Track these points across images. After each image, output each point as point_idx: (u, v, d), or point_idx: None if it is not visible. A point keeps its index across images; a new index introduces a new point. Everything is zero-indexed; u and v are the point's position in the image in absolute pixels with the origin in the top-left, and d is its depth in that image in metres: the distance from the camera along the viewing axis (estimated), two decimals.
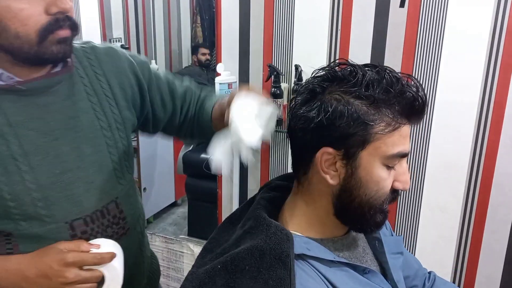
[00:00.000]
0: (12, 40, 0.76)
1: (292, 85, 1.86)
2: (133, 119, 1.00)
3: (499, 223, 1.67)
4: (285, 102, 1.82)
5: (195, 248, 2.43)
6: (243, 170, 2.10)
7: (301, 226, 0.77)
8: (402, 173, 0.72)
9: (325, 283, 0.71)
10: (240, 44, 1.93)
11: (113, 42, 2.76)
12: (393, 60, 1.67)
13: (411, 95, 0.68)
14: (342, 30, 1.72)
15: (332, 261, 0.74)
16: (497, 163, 1.62)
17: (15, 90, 0.81)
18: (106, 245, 0.84)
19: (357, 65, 0.72)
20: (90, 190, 0.88)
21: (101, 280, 0.82)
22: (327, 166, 0.71)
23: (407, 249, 1.82)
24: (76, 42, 0.91)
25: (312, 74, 0.75)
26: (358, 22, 1.69)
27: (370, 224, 0.74)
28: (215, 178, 2.24)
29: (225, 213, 2.22)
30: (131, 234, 0.99)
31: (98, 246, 0.82)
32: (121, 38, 3.20)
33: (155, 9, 3.49)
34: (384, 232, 0.90)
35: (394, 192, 0.74)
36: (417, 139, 1.72)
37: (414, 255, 1.81)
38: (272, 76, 1.79)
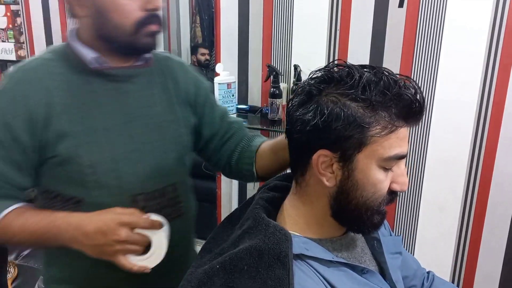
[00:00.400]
0: (112, 30, 0.90)
1: (291, 85, 1.86)
2: (194, 121, 1.09)
3: (498, 221, 1.67)
4: (284, 102, 1.82)
5: (195, 247, 2.42)
6: None
7: (300, 226, 0.77)
8: (400, 174, 0.72)
9: (323, 283, 0.71)
10: (239, 44, 1.93)
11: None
12: (392, 60, 1.67)
13: (409, 97, 0.67)
14: (341, 30, 1.73)
15: (330, 261, 0.73)
16: (496, 161, 1.63)
17: (104, 74, 0.94)
18: (156, 218, 0.90)
19: (355, 66, 0.71)
20: (154, 171, 0.99)
21: (147, 247, 0.88)
22: (324, 168, 0.71)
23: (406, 248, 1.83)
24: (156, 52, 1.04)
25: (309, 75, 0.75)
26: (357, 22, 1.70)
27: (367, 225, 0.74)
28: (214, 178, 2.24)
29: (224, 213, 2.24)
30: (185, 218, 1.07)
31: (149, 217, 0.89)
32: None
33: None
34: (383, 232, 0.90)
35: (392, 194, 0.73)
36: (417, 138, 1.72)
37: (413, 253, 1.82)
38: (271, 76, 1.79)
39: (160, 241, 0.89)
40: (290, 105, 0.75)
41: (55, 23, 2.32)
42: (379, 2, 1.65)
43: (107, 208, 0.87)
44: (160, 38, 0.97)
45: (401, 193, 1.81)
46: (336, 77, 0.70)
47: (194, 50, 3.70)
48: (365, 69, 0.70)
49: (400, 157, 0.70)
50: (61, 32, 2.32)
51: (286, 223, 0.78)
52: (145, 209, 0.94)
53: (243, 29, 1.91)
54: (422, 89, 1.66)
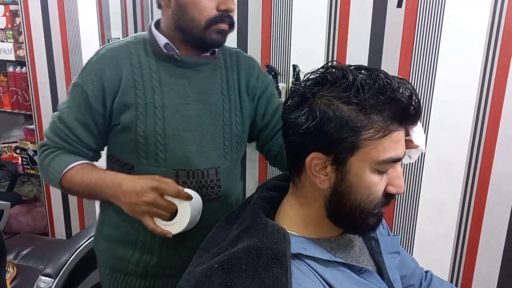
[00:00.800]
0: (188, 22, 1.02)
1: (290, 85, 1.86)
2: (250, 110, 1.18)
3: (496, 222, 1.67)
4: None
5: None
6: (242, 170, 2.08)
7: (298, 226, 0.78)
8: (396, 177, 0.72)
9: (321, 282, 0.72)
10: (238, 44, 1.93)
11: (112, 42, 2.74)
12: (390, 60, 1.67)
13: (403, 101, 0.67)
14: (340, 30, 1.73)
15: (328, 261, 0.74)
16: (494, 162, 1.63)
17: (173, 60, 1.07)
18: (190, 192, 0.98)
19: (349, 68, 0.70)
20: (200, 152, 1.08)
21: (175, 214, 0.97)
22: (317, 171, 0.71)
23: (405, 248, 1.82)
24: (227, 46, 1.16)
25: (304, 77, 0.74)
26: (355, 22, 1.69)
27: (363, 227, 0.74)
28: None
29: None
30: (222, 202, 1.14)
31: (183, 188, 0.97)
32: (119, 38, 3.19)
33: (153, 10, 3.48)
34: (381, 232, 0.90)
35: (388, 196, 0.73)
36: None
37: (412, 254, 1.81)
38: (270, 76, 1.78)
39: (185, 211, 0.96)
40: (284, 108, 0.75)
41: (54, 23, 2.32)
42: (377, 3, 1.65)
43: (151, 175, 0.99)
44: (228, 37, 1.08)
45: (399, 195, 1.82)
46: (330, 79, 0.70)
47: None
48: (361, 71, 0.70)
49: (395, 160, 0.70)
50: (60, 32, 2.32)
51: (284, 223, 0.78)
52: (185, 185, 1.05)
53: (242, 29, 1.90)
54: (420, 90, 1.66)
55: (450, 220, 1.74)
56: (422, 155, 1.72)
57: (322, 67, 0.73)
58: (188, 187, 1.02)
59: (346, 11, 1.70)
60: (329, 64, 0.73)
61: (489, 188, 1.66)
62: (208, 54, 1.11)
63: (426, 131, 1.70)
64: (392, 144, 0.68)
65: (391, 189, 0.72)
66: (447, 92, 1.63)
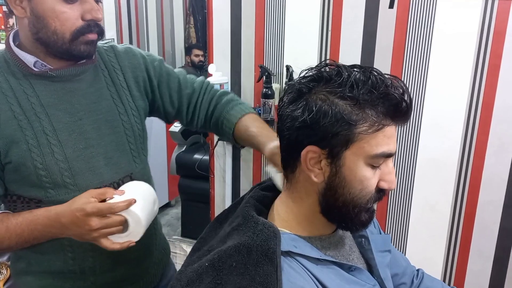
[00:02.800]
0: (50, 35, 0.91)
1: (284, 85, 1.87)
2: (145, 107, 1.13)
3: (488, 221, 1.68)
4: (277, 103, 1.83)
5: (188, 248, 2.43)
6: (236, 170, 2.11)
7: (290, 223, 0.78)
8: (388, 172, 0.73)
9: (312, 279, 0.72)
10: (231, 45, 1.93)
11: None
12: (382, 61, 1.68)
13: (396, 97, 0.68)
14: (333, 31, 1.73)
15: (318, 259, 0.74)
16: (486, 162, 1.64)
17: (48, 76, 0.95)
18: (132, 189, 0.95)
19: (344, 66, 0.72)
20: (109, 164, 1.02)
21: (126, 222, 0.92)
22: (312, 164, 0.72)
23: (398, 247, 1.83)
24: (99, 42, 1.06)
25: (300, 74, 0.76)
26: (348, 23, 1.70)
27: (355, 223, 0.75)
28: (207, 179, 2.24)
29: (218, 213, 2.19)
30: None
31: (122, 192, 0.93)
32: (114, 39, 3.19)
33: (148, 10, 3.48)
34: (372, 230, 0.91)
35: (380, 192, 0.74)
36: (407, 139, 1.74)
37: (405, 253, 1.82)
38: (264, 76, 1.80)
39: (134, 216, 0.91)
40: (281, 103, 0.76)
41: None
42: (369, 4, 1.66)
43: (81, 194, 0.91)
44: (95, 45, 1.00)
45: (392, 194, 1.83)
46: (326, 76, 0.72)
47: (188, 51, 3.69)
48: (355, 69, 0.71)
49: (387, 155, 0.71)
50: None
51: (276, 221, 0.78)
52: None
53: (236, 31, 1.91)
54: (412, 90, 1.67)
55: (443, 219, 1.75)
56: (415, 155, 1.73)
57: (317, 66, 0.75)
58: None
59: (338, 12, 1.71)
60: (324, 62, 0.75)
61: (480, 187, 1.67)
62: (83, 60, 1.00)
63: (418, 131, 1.71)
64: (385, 139, 0.69)
65: (383, 185, 0.73)
66: (438, 92, 1.65)
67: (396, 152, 0.75)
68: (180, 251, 2.45)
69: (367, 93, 0.68)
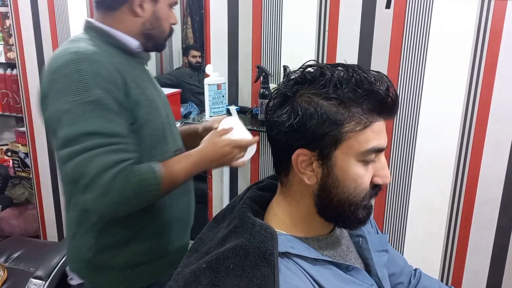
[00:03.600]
0: (160, 32, 1.15)
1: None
2: None
3: (485, 220, 1.69)
4: None
5: None
6: (233, 171, 2.11)
7: (286, 225, 0.78)
8: (381, 167, 0.73)
9: (309, 280, 0.72)
10: (229, 46, 1.93)
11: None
12: (379, 61, 1.69)
13: (380, 93, 0.68)
14: (330, 31, 1.74)
15: (316, 259, 0.74)
16: (483, 161, 1.64)
17: (139, 57, 1.16)
18: (238, 125, 1.22)
19: (327, 66, 0.72)
20: (175, 135, 1.22)
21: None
22: (304, 167, 0.72)
23: (396, 247, 1.84)
24: None
25: (284, 78, 0.76)
26: (345, 23, 1.71)
27: (352, 221, 0.75)
28: (205, 179, 2.24)
29: (216, 214, 2.19)
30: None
31: (231, 129, 1.19)
32: None
33: None
34: (369, 230, 0.91)
35: (376, 187, 0.74)
36: (404, 138, 1.74)
37: (403, 253, 1.83)
38: (261, 77, 1.80)
39: (253, 146, 1.23)
40: (267, 109, 0.76)
41: (45, 25, 2.31)
42: (366, 4, 1.66)
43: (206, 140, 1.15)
44: None
45: (389, 194, 1.83)
46: (309, 78, 0.72)
47: (185, 51, 3.68)
48: (338, 68, 0.71)
49: (378, 150, 0.71)
50: (51, 34, 2.31)
51: (273, 222, 0.78)
52: None
53: (233, 31, 1.91)
54: (409, 90, 1.68)
55: (440, 218, 1.75)
56: (412, 154, 1.73)
57: (300, 67, 0.75)
58: None
59: (335, 12, 1.71)
60: (307, 63, 0.74)
61: (478, 185, 1.67)
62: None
63: (415, 130, 1.71)
64: (374, 135, 0.69)
65: (378, 180, 0.73)
66: (435, 92, 1.65)
67: (387, 146, 0.74)
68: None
69: (351, 91, 0.68)
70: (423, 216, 1.78)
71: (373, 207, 0.78)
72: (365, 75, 0.69)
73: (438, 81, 1.64)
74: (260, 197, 0.85)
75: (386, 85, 0.69)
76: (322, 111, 0.68)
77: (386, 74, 0.71)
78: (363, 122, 0.68)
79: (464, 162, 1.67)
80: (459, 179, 1.69)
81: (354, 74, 0.69)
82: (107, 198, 0.95)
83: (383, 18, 1.65)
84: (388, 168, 1.77)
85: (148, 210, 1.10)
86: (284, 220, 0.78)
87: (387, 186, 1.80)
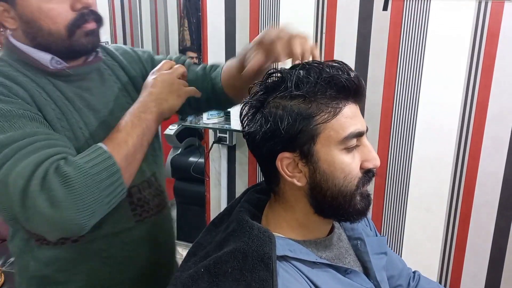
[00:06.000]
0: (47, 37, 0.85)
1: None
2: None
3: (484, 222, 1.69)
4: None
5: (184, 252, 2.42)
6: (231, 173, 2.11)
7: (283, 229, 0.78)
8: (368, 151, 0.73)
9: (308, 284, 0.72)
10: (226, 48, 1.93)
11: None
12: (377, 63, 1.69)
13: (340, 77, 0.69)
14: (327, 33, 1.74)
15: (314, 262, 0.74)
16: (481, 163, 1.64)
17: (63, 75, 0.90)
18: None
19: (285, 70, 0.74)
20: None
21: None
22: (291, 170, 0.72)
23: (394, 249, 1.84)
24: None
25: (249, 91, 0.78)
26: (342, 25, 1.71)
27: (351, 213, 0.74)
28: (203, 182, 2.24)
29: (214, 217, 2.17)
30: (168, 208, 1.08)
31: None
32: (108, 42, 3.18)
33: (142, 13, 3.47)
34: (367, 233, 0.91)
35: (368, 173, 0.74)
36: (402, 141, 1.74)
37: (401, 255, 1.83)
38: None
39: None
40: (242, 124, 0.78)
41: None
42: (364, 6, 1.66)
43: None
44: (101, 35, 0.94)
45: (388, 195, 1.83)
46: (272, 85, 0.74)
47: (182, 53, 3.69)
48: (296, 69, 0.73)
49: (357, 135, 0.71)
50: None
51: (271, 225, 0.78)
52: (141, 202, 0.97)
53: (230, 33, 1.91)
54: (406, 92, 1.68)
55: (438, 220, 1.75)
56: (410, 156, 1.73)
57: (263, 77, 0.76)
58: (144, 203, 0.97)
59: (332, 14, 1.71)
60: (269, 72, 0.76)
61: (475, 188, 1.67)
62: (91, 58, 0.96)
63: (413, 132, 1.71)
64: (348, 120, 0.70)
65: (368, 164, 0.73)
66: (433, 94, 1.65)
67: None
68: (176, 254, 2.44)
69: (312, 85, 0.69)
70: (421, 218, 1.78)
71: (372, 197, 0.77)
72: (321, 66, 0.71)
73: (435, 83, 1.64)
74: (257, 200, 0.85)
75: (344, 70, 0.71)
76: (291, 110, 0.70)
77: (383, 76, 0.72)
78: (333, 110, 0.69)
79: (462, 163, 1.67)
80: (457, 181, 1.69)
81: (311, 69, 0.71)
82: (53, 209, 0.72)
83: (380, 20, 1.65)
84: (386, 168, 1.77)
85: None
86: (280, 225, 0.78)
87: (385, 187, 1.80)
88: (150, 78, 0.94)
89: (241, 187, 2.09)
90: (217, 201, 2.18)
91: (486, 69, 1.56)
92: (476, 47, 1.56)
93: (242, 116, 0.77)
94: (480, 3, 1.52)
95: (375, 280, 0.84)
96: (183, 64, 1.12)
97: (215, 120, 2.06)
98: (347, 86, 0.70)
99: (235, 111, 2.07)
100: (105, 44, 1.08)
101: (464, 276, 1.77)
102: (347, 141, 0.70)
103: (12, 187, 0.72)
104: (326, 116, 0.69)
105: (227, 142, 2.04)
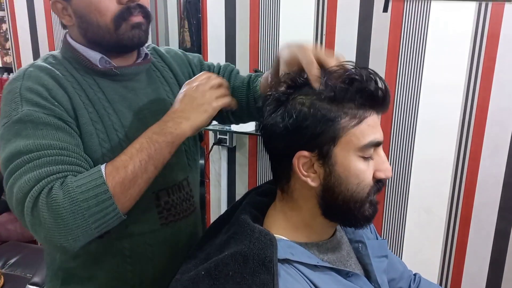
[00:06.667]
0: (96, 31, 0.88)
1: None
2: None
3: (484, 223, 1.68)
4: None
5: None
6: (231, 174, 2.10)
7: (286, 230, 0.77)
8: (382, 162, 0.73)
9: (310, 286, 0.72)
10: (226, 49, 1.92)
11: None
12: (377, 64, 1.68)
13: (371, 87, 0.69)
14: (327, 34, 1.73)
15: (316, 265, 0.74)
16: (481, 164, 1.64)
17: (111, 74, 0.92)
18: None
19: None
20: (169, 166, 0.92)
21: None
22: (306, 170, 0.72)
23: (394, 251, 1.83)
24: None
25: (273, 84, 0.78)
26: (342, 26, 1.70)
27: (359, 219, 0.75)
28: (203, 183, 2.23)
29: (213, 218, 2.14)
30: (197, 213, 1.07)
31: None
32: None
33: None
34: (368, 236, 0.91)
35: (379, 182, 0.74)
36: (402, 142, 1.74)
37: (401, 256, 1.82)
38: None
39: None
40: (263, 117, 0.77)
41: (41, 28, 2.30)
42: (364, 7, 1.66)
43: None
44: (148, 30, 0.94)
45: (388, 197, 1.82)
46: (301, 81, 0.73)
47: None
48: (328, 70, 0.72)
49: (376, 144, 0.71)
50: (48, 38, 2.30)
51: (273, 227, 0.78)
52: (168, 205, 0.97)
53: (230, 34, 1.91)
54: (407, 93, 1.67)
55: (439, 221, 1.74)
56: (410, 157, 1.73)
57: (288, 73, 0.76)
58: (171, 207, 0.97)
59: (332, 16, 1.71)
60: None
61: (476, 189, 1.67)
62: (140, 60, 0.98)
63: (413, 133, 1.71)
64: (370, 129, 0.70)
65: (380, 174, 0.73)
66: (433, 95, 1.65)
67: (385, 149, 0.75)
68: None
69: (343, 90, 0.69)
70: (422, 220, 1.77)
71: (378, 205, 0.77)
72: (355, 72, 0.70)
73: (435, 85, 1.64)
74: (259, 202, 0.85)
75: (375, 79, 0.70)
76: (316, 110, 0.69)
77: (384, 77, 0.73)
78: (357, 116, 0.69)
79: (462, 165, 1.67)
80: (457, 183, 1.69)
81: (344, 74, 0.70)
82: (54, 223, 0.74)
83: (381, 21, 1.65)
84: None
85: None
86: (284, 225, 0.78)
87: (385, 189, 1.79)
88: (181, 90, 0.91)
89: (241, 188, 2.08)
90: (217, 203, 2.17)
91: (487, 70, 1.56)
92: (476, 48, 1.56)
93: (265, 106, 0.76)
94: (480, 4, 1.52)
95: (376, 283, 0.84)
96: (230, 72, 1.13)
97: (215, 122, 2.05)
98: (375, 97, 0.70)
99: None
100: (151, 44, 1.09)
101: (465, 278, 1.76)
102: (366, 149, 0.70)
103: (15, 198, 0.76)
104: (350, 121, 0.69)
105: (227, 144, 2.03)
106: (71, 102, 0.85)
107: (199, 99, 0.87)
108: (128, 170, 0.79)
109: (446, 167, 1.69)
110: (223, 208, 2.10)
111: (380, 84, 0.70)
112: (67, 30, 0.95)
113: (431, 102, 1.66)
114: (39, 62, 0.90)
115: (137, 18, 0.89)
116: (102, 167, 0.79)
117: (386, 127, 1.73)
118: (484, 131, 1.61)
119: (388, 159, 1.76)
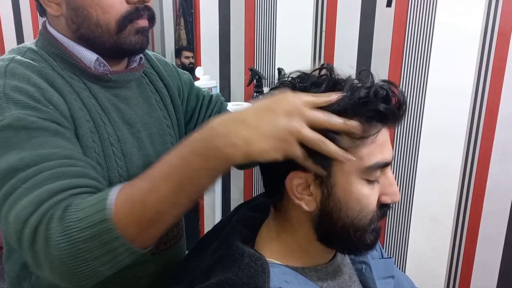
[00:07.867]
0: (93, 28, 0.77)
1: None
2: (183, 117, 1.01)
3: (493, 233, 1.65)
4: None
5: None
6: (226, 179, 2.08)
7: (280, 253, 0.70)
8: (389, 184, 0.65)
9: None
10: (220, 48, 1.91)
11: None
12: (380, 63, 1.65)
13: (379, 100, 0.60)
14: (327, 31, 1.71)
15: None
16: (490, 170, 1.61)
17: (104, 80, 0.81)
18: None
19: (310, 73, 0.66)
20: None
21: None
22: (300, 191, 0.64)
23: (398, 262, 1.81)
24: None
25: (269, 90, 0.69)
26: (343, 23, 1.68)
27: (359, 247, 0.67)
28: None
29: (207, 223, 2.21)
30: (183, 239, 1.01)
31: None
32: None
33: None
34: (373, 255, 0.83)
35: (384, 207, 0.66)
36: (406, 146, 1.70)
37: (405, 268, 1.79)
38: (254, 80, 1.78)
39: None
40: None
41: (26, 20, 2.27)
42: (366, 3, 1.63)
43: None
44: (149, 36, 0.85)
45: (392, 205, 1.77)
46: (299, 86, 0.64)
47: (178, 53, 3.64)
48: (329, 75, 0.64)
49: (383, 165, 0.63)
50: (33, 30, 2.28)
51: (266, 250, 0.70)
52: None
53: (225, 32, 1.88)
54: (411, 95, 1.65)
55: (445, 230, 1.72)
56: (415, 163, 1.69)
57: (286, 78, 0.67)
58: (162, 235, 0.88)
59: (333, 11, 1.69)
60: (292, 74, 0.67)
61: (485, 197, 1.64)
62: (134, 65, 0.88)
63: (418, 137, 1.68)
64: (377, 147, 0.62)
65: (386, 199, 0.65)
66: (440, 98, 1.61)
67: (392, 159, 0.65)
68: None
69: (347, 100, 0.59)
70: (427, 229, 1.74)
71: (381, 229, 0.69)
72: (361, 81, 0.62)
73: (442, 86, 1.60)
74: (251, 219, 0.78)
75: (386, 90, 0.61)
76: None
77: (387, 78, 0.64)
78: (362, 134, 0.60)
79: (470, 171, 1.63)
80: (464, 190, 1.65)
81: (347, 81, 0.62)
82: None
83: (384, 18, 1.61)
84: None
85: None
86: (278, 248, 0.71)
87: None
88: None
89: (236, 193, 2.05)
90: (211, 208, 2.14)
91: (497, 71, 1.52)
92: (486, 48, 1.52)
93: None
94: (490, 1, 1.48)
95: None
96: (221, 104, 1.04)
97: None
98: (384, 113, 0.60)
99: None
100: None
101: None
102: (371, 171, 0.62)
103: (11, 228, 0.62)
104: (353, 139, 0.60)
105: None
106: (68, 108, 0.73)
107: (284, 120, 0.58)
108: (148, 206, 0.61)
109: (453, 173, 1.65)
110: (217, 213, 2.07)
111: (390, 94, 0.61)
112: (45, 18, 0.82)
113: (438, 104, 1.62)
114: (18, 56, 0.75)
115: (143, 22, 0.80)
116: (112, 193, 0.62)
117: (390, 130, 1.68)
118: (493, 136, 1.57)
119: (391, 164, 1.72)
